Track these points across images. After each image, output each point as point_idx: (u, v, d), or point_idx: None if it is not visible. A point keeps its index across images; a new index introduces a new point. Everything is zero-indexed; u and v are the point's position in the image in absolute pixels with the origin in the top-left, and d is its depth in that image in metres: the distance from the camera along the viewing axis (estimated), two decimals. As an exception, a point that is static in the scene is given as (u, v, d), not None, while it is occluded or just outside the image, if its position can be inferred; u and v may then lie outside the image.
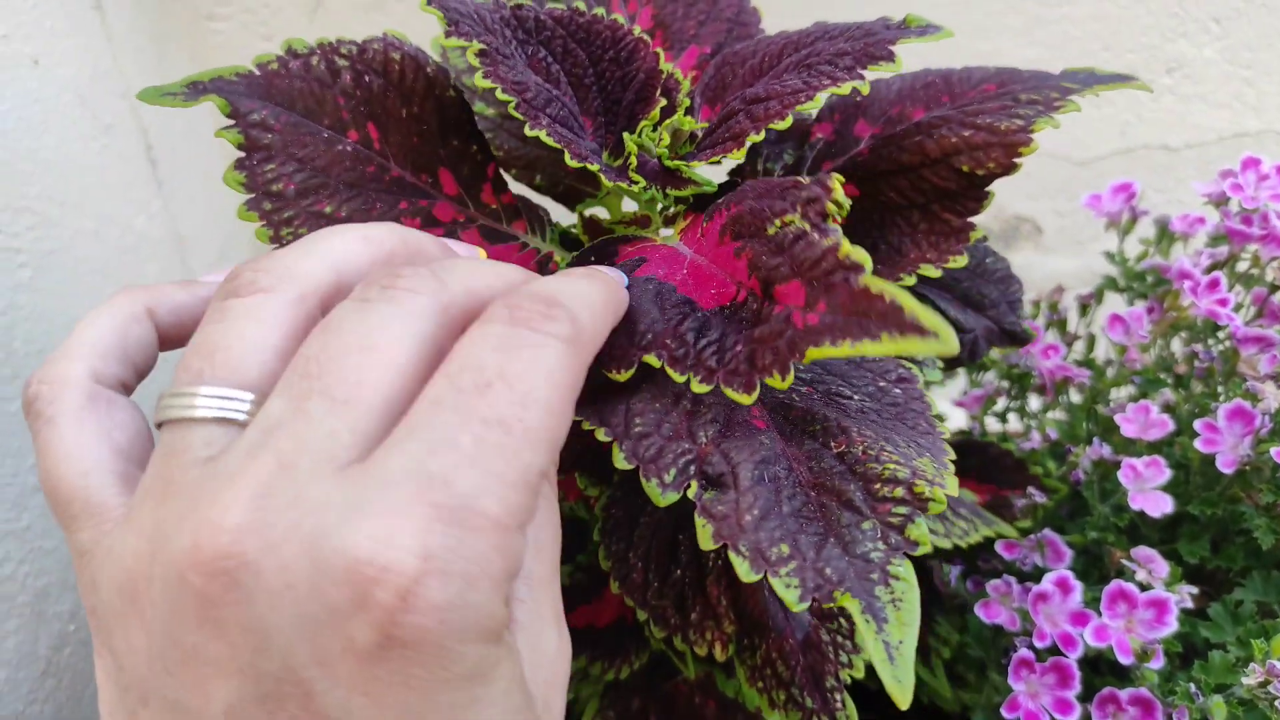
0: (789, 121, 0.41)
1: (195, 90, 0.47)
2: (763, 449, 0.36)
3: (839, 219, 0.34)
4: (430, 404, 0.27)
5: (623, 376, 0.36)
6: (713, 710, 0.56)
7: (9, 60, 0.75)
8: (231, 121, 0.46)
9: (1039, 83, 0.48)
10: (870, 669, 0.57)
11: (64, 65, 0.81)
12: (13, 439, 0.77)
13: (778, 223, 0.35)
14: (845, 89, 0.42)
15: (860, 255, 0.31)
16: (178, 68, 1.00)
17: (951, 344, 0.27)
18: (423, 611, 0.24)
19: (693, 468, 0.35)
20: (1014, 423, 0.75)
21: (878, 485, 0.35)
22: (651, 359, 0.35)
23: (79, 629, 0.87)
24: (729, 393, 0.32)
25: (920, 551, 0.33)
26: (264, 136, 0.46)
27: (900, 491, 0.34)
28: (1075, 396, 0.72)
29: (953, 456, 0.39)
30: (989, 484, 0.65)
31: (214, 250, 1.07)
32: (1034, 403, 0.78)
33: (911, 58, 0.91)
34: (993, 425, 0.77)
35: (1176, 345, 0.70)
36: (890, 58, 0.43)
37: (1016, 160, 0.45)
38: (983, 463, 0.65)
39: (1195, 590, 0.55)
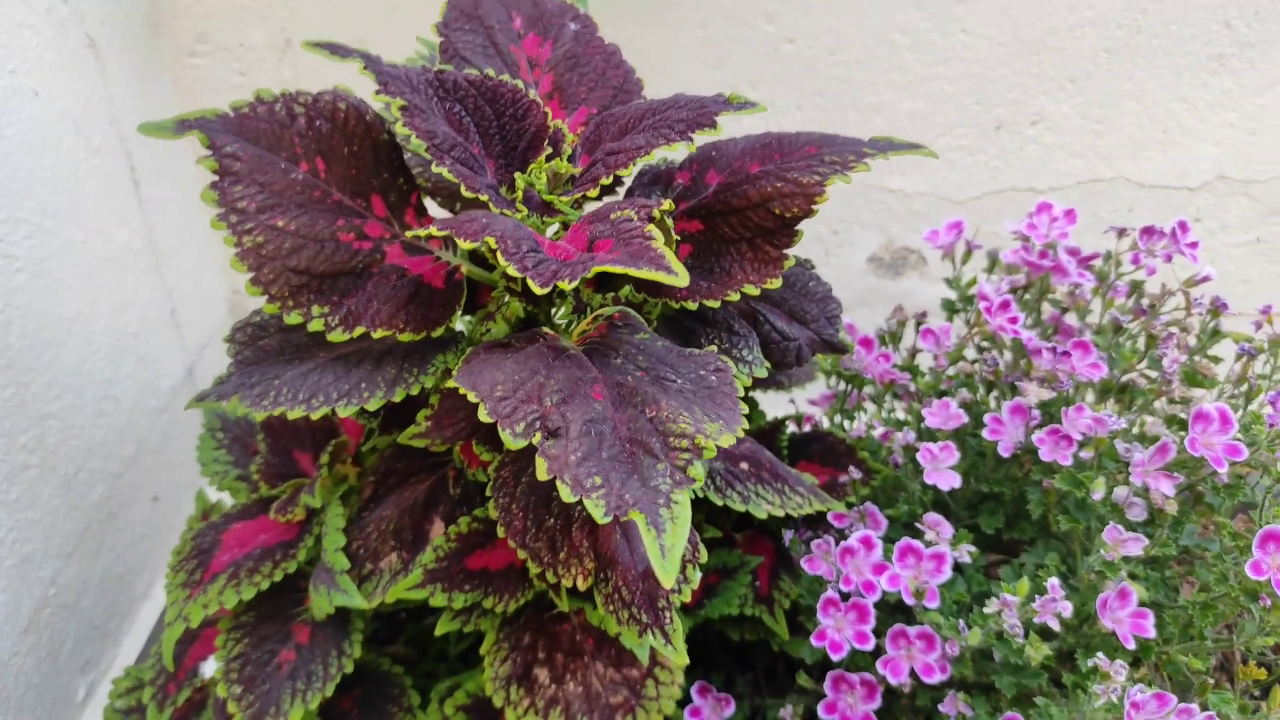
0: (630, 170, 0.55)
1: (183, 126, 0.59)
2: (594, 411, 0.49)
3: (658, 223, 0.49)
4: None
5: (465, 245, 0.51)
6: (591, 645, 0.69)
7: (14, 92, 0.88)
8: (209, 152, 0.59)
9: (845, 148, 0.62)
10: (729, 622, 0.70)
11: (61, 96, 0.94)
12: (4, 421, 0.89)
13: (617, 214, 0.51)
14: (675, 147, 0.55)
15: (656, 234, 0.46)
16: (162, 98, 1.12)
17: (683, 279, 0.45)
18: None
19: (538, 422, 0.48)
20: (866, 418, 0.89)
21: (672, 439, 0.48)
22: (491, 240, 0.50)
23: (58, 593, 0.99)
24: (530, 283, 0.48)
25: (698, 488, 0.46)
26: (234, 165, 0.59)
27: (686, 443, 0.48)
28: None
29: (745, 426, 0.52)
30: (829, 467, 0.78)
31: (188, 263, 1.19)
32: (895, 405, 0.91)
33: (817, 112, 1.08)
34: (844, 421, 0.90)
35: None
36: (713, 125, 0.56)
37: (814, 207, 0.59)
38: (824, 449, 0.79)
39: (974, 549, 0.68)
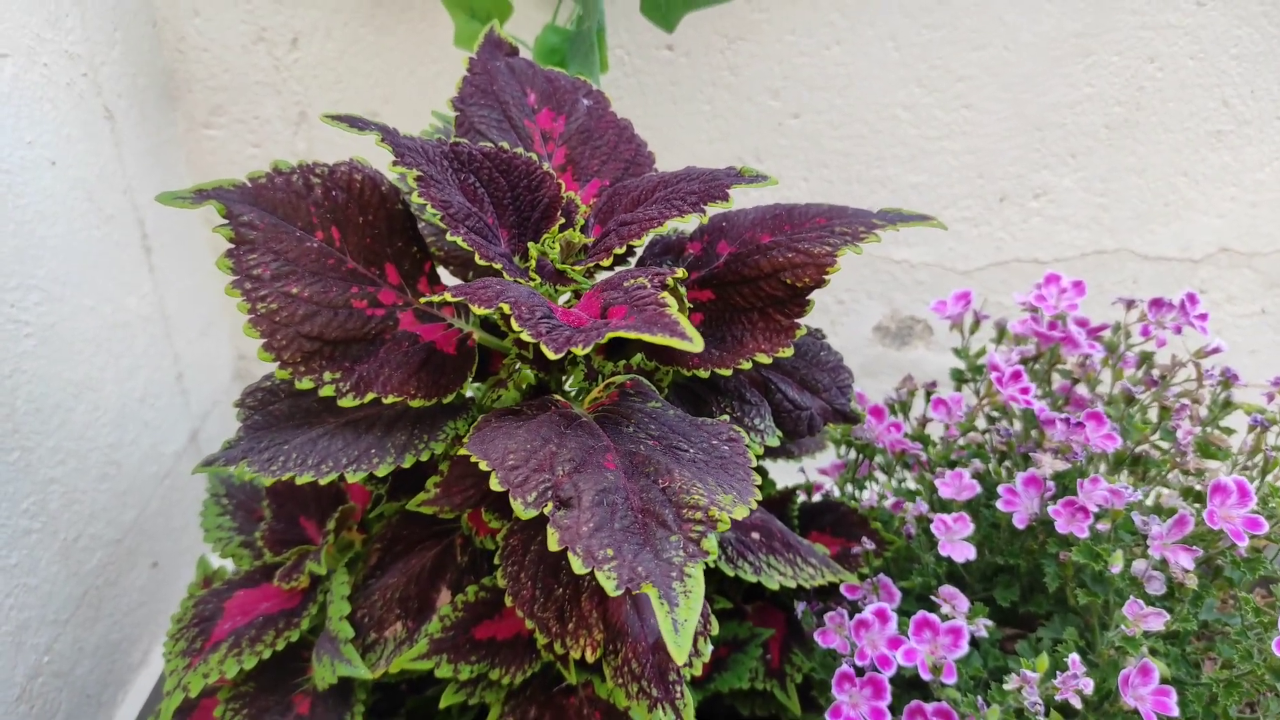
0: (643, 240, 0.55)
1: (200, 195, 0.60)
2: (606, 481, 0.49)
3: (672, 290, 0.49)
4: None
5: (479, 311, 0.50)
6: (599, 719, 0.67)
7: (31, 163, 0.89)
8: (225, 221, 0.59)
9: (855, 219, 0.62)
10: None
11: (76, 165, 0.95)
12: (7, 485, 0.88)
13: (631, 281, 0.51)
14: (688, 219, 0.56)
15: (670, 301, 0.46)
16: (174, 168, 1.14)
17: (697, 345, 0.44)
18: None
19: (550, 492, 0.48)
20: (877, 486, 0.88)
21: (686, 510, 0.47)
22: (505, 306, 0.49)
23: (53, 661, 0.97)
24: (544, 348, 0.47)
25: (712, 559, 0.46)
26: (250, 233, 0.59)
27: (700, 515, 0.47)
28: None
29: (758, 497, 0.51)
30: (841, 538, 0.77)
31: (196, 328, 1.19)
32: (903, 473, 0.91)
33: (823, 184, 1.10)
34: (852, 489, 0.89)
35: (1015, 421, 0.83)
36: (725, 198, 0.57)
37: (825, 277, 0.59)
38: (835, 519, 0.78)
39: (991, 623, 0.67)
